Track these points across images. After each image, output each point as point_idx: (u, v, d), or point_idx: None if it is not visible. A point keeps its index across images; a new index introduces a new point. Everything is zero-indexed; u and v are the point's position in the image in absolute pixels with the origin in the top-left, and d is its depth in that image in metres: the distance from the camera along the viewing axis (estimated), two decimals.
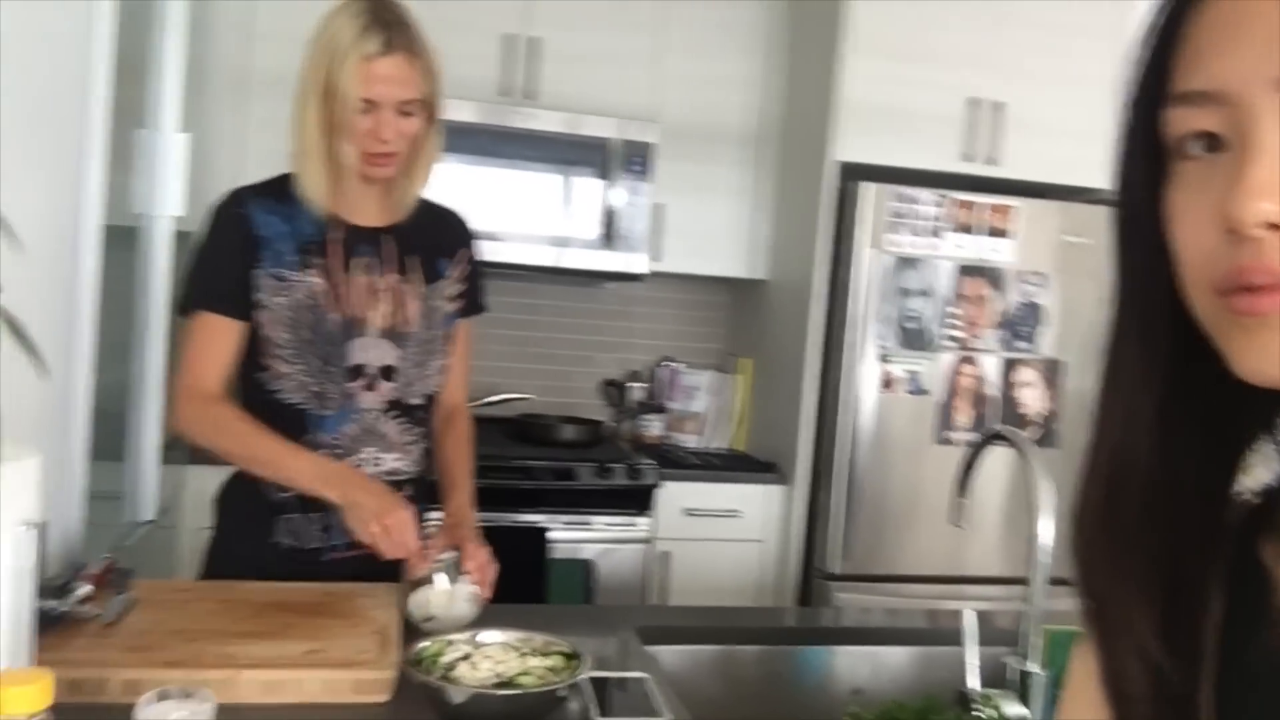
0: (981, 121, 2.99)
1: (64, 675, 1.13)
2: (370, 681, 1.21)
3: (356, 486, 1.50)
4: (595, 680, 1.27)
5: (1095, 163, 2.58)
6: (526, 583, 2.77)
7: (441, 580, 1.46)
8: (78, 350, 1.64)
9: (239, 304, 1.56)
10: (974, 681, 1.23)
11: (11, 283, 1.40)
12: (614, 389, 3.49)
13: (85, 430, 1.66)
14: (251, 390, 1.60)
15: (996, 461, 2.74)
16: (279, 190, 1.60)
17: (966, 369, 2.92)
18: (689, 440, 3.42)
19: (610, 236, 3.07)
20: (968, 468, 1.38)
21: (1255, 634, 0.52)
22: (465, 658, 1.19)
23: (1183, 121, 0.48)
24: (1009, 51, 2.98)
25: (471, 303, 1.77)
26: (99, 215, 1.64)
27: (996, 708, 1.23)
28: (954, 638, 1.31)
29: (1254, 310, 0.45)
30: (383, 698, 1.21)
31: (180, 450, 2.28)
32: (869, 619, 2.01)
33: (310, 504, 1.57)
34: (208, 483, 1.71)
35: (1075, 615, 0.58)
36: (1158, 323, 0.52)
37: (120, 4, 1.69)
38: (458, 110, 2.89)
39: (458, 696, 1.10)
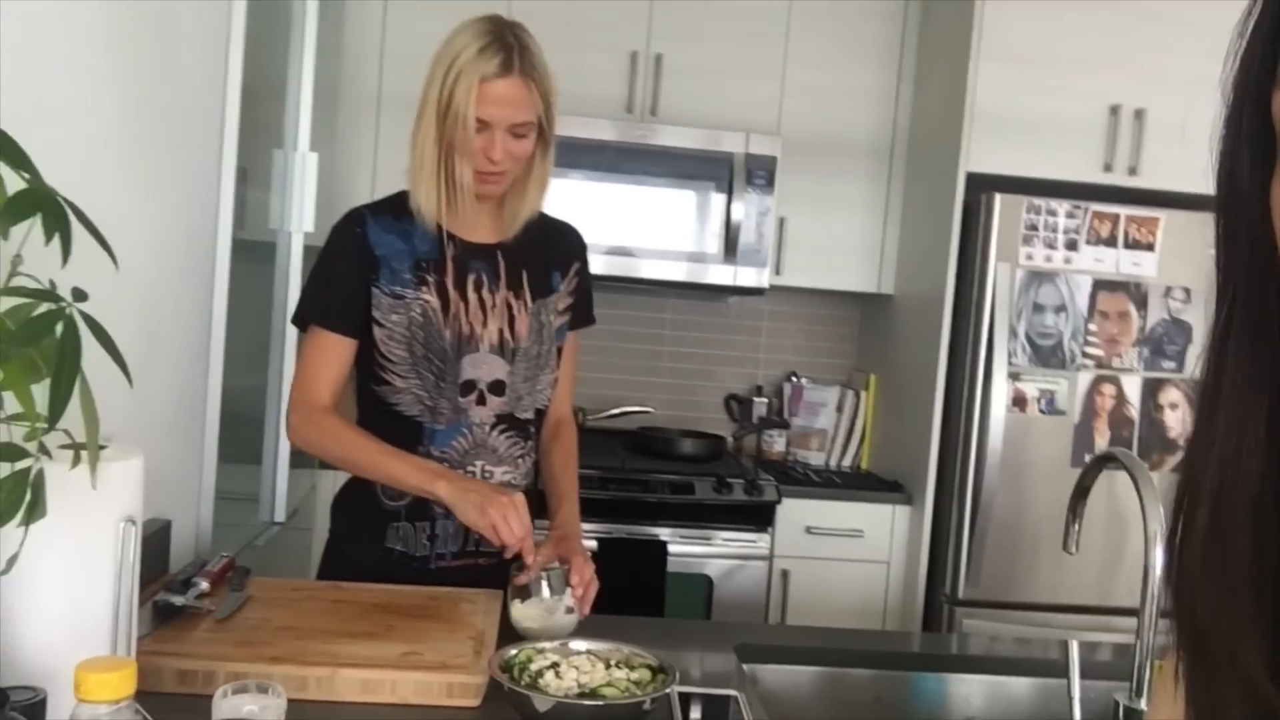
0: (1122, 129, 2.85)
1: (175, 666, 1.20)
2: (462, 686, 1.23)
3: (462, 480, 1.54)
4: (685, 696, 1.26)
5: None
6: (646, 595, 2.78)
7: (543, 591, 1.47)
8: (211, 358, 1.73)
9: (352, 321, 1.61)
10: (1078, 716, 1.17)
11: (151, 294, 1.49)
12: (737, 403, 3.46)
13: (215, 434, 1.75)
14: (372, 403, 1.65)
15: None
16: (397, 207, 1.64)
17: (1106, 389, 2.79)
18: (813, 457, 3.37)
19: (732, 250, 3.05)
20: (1080, 491, 1.31)
21: None
22: (553, 666, 1.20)
23: None
24: (1150, 55, 2.83)
25: (580, 315, 1.78)
26: (228, 231, 1.73)
27: None
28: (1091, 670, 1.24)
29: None
30: (474, 702, 1.23)
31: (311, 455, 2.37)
32: (995, 648, 1.92)
33: (418, 513, 1.61)
34: (337, 487, 1.77)
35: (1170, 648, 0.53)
36: (1267, 327, 0.48)
37: (254, 29, 1.78)
38: (584, 127, 2.95)
39: (542, 705, 1.11)
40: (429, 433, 1.62)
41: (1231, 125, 0.49)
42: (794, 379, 3.45)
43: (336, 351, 1.61)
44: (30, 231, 0.86)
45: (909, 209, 3.18)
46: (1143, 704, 1.19)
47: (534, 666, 1.21)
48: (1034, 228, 2.75)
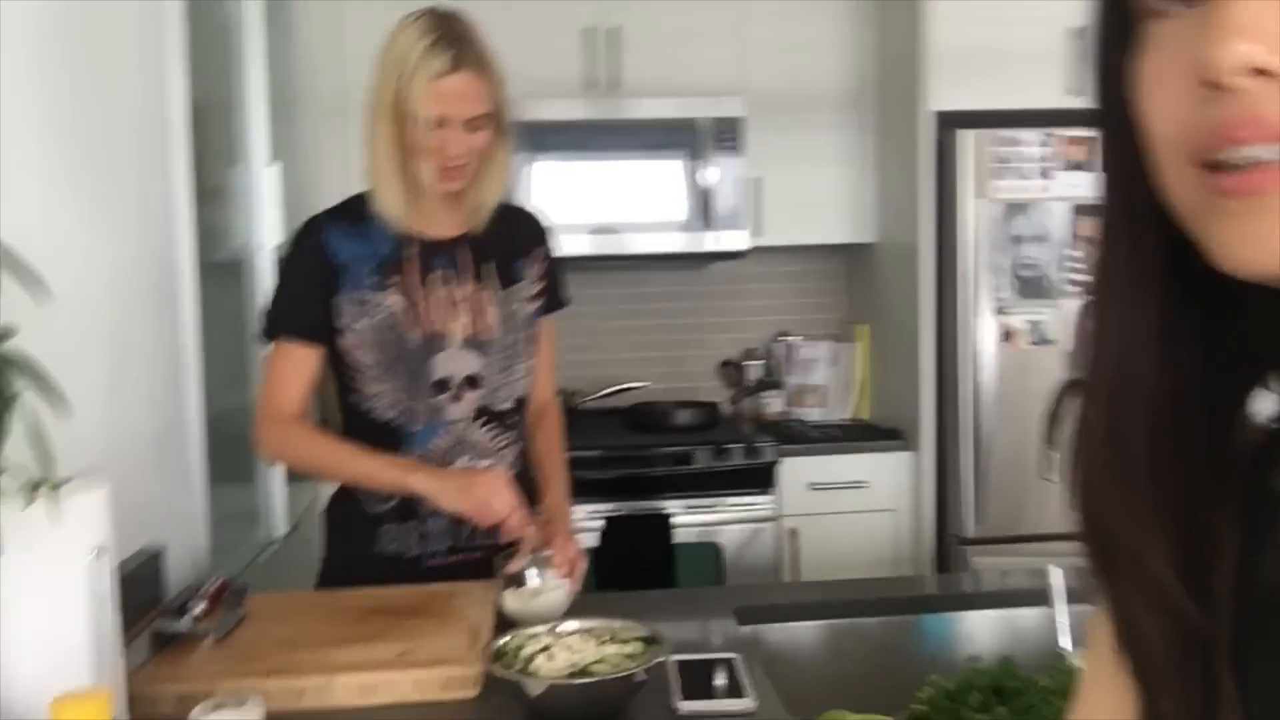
0: (1086, 52, 2.81)
1: (173, 690, 1.21)
2: (457, 678, 1.23)
3: (436, 470, 1.56)
4: (685, 663, 1.26)
5: None
6: (655, 569, 2.79)
7: (532, 577, 1.47)
8: (185, 380, 1.72)
9: (314, 329, 1.61)
10: (1065, 641, 1.17)
11: (117, 322, 1.49)
12: (732, 369, 3.45)
13: (200, 456, 1.75)
14: (349, 411, 1.65)
15: None
16: (355, 210, 1.63)
17: None
18: (812, 414, 3.36)
19: (708, 216, 3.04)
20: (1052, 417, 1.30)
21: (1274, 572, 0.46)
22: (544, 649, 1.20)
23: None
24: None
25: (552, 300, 1.78)
26: (191, 252, 1.72)
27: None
28: (1080, 596, 1.24)
29: (1245, 189, 0.39)
30: (471, 693, 1.23)
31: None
32: (1006, 581, 1.91)
33: (406, 513, 1.61)
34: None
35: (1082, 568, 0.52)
36: (1147, 224, 0.46)
37: (196, 43, 1.76)
38: (545, 109, 2.92)
39: (534, 689, 1.11)
40: (408, 435, 1.62)
41: (1100, 9, 0.47)
42: (785, 338, 3.44)
43: (302, 362, 1.61)
44: None
45: (884, 155, 3.16)
46: None
47: (525, 652, 1.21)
48: (1005, 160, 2.73)
